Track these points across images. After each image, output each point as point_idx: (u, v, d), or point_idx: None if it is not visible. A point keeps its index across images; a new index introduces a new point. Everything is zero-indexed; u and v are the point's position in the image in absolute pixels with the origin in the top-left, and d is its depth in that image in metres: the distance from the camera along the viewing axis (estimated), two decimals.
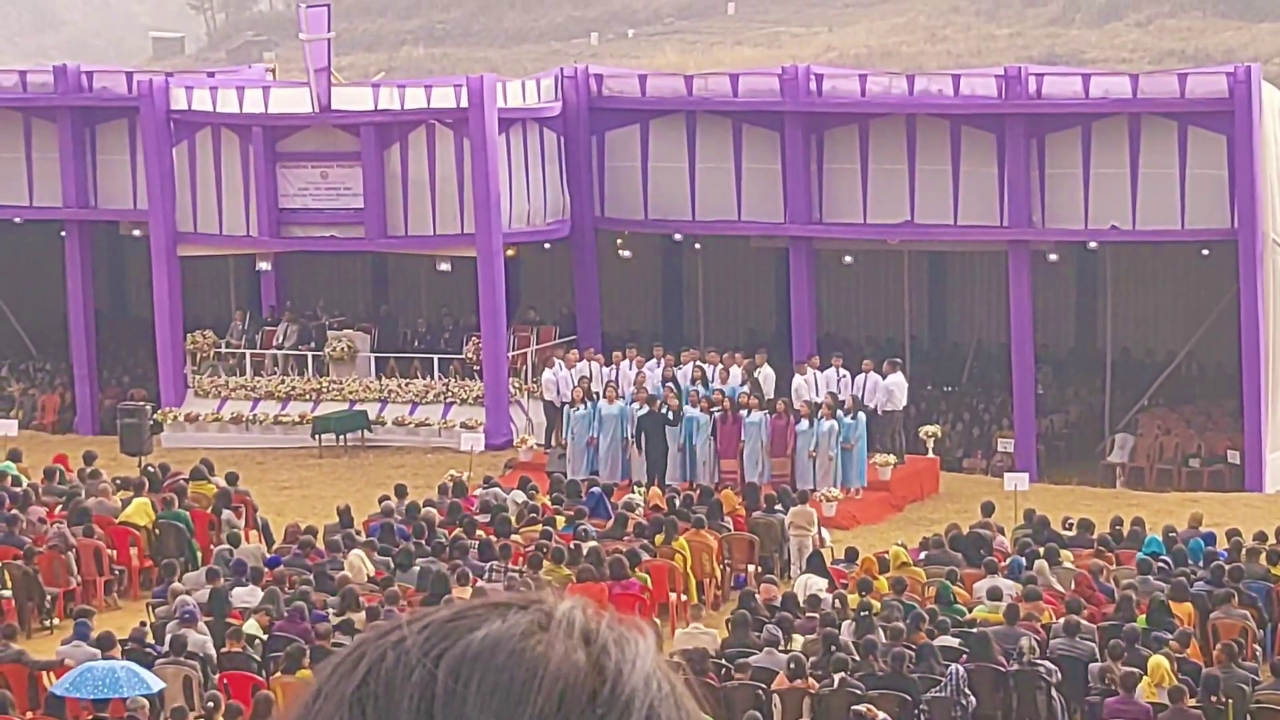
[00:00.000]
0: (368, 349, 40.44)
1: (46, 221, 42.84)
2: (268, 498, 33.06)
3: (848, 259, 40.82)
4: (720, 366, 37.33)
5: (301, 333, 41.10)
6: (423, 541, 27.30)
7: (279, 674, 21.54)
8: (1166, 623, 23.65)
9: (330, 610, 23.60)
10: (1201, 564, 27.28)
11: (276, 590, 25.09)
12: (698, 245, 42.41)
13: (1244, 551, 27.49)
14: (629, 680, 1.14)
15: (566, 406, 36.06)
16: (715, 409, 35.19)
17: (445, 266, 39.94)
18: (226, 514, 30.49)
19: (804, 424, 34.29)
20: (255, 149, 39.27)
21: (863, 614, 24.15)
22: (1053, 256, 39.22)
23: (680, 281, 44.90)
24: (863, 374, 36.48)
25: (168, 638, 23.32)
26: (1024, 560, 26.69)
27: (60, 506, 30.27)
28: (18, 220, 43.07)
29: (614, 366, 37.54)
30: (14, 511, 29.44)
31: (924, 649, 22.57)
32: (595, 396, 35.81)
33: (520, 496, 31.08)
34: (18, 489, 30.99)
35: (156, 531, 29.74)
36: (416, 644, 1.14)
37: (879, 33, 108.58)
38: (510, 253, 39.56)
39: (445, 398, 39.30)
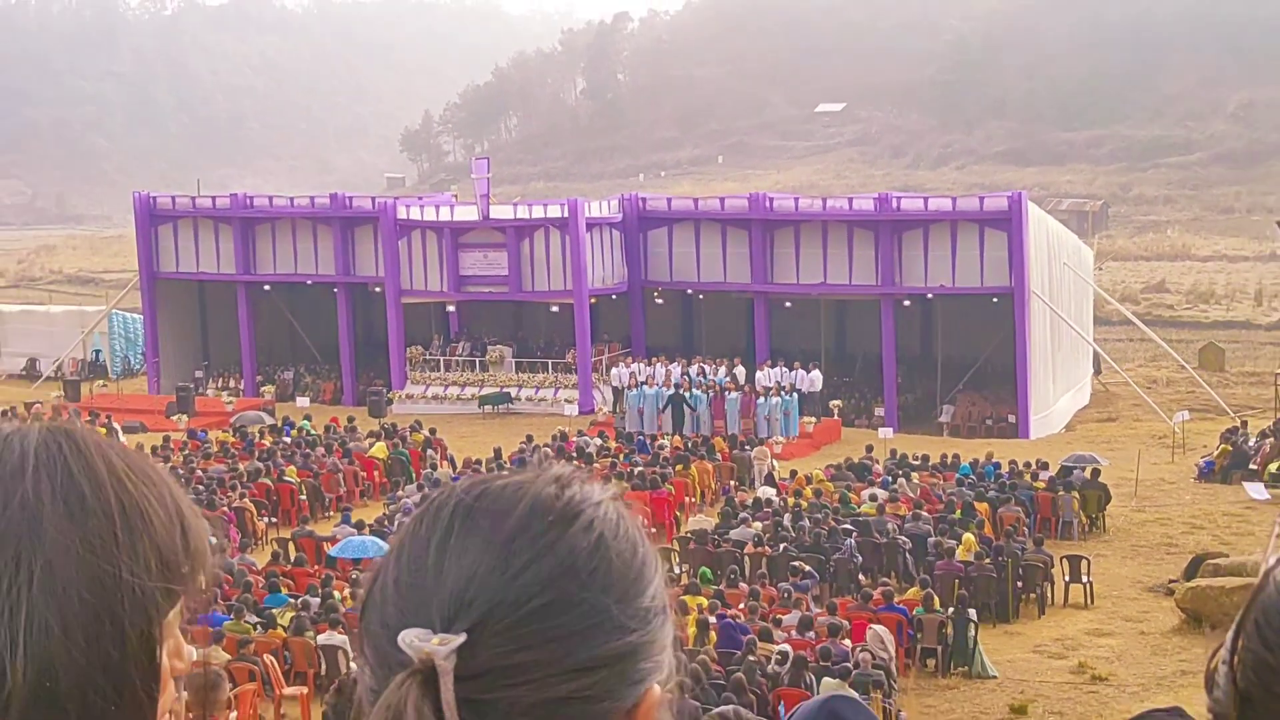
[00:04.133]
0: (511, 356, 46.91)
1: (326, 283, 49.02)
2: (454, 442, 37.13)
3: (788, 304, 46.30)
4: (714, 366, 43.16)
5: (473, 347, 47.56)
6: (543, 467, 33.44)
7: None
8: (972, 515, 27.05)
9: None
10: (992, 480, 30.63)
11: None
12: (701, 296, 48.63)
13: (1016, 472, 31.28)
14: (580, 503, 1.29)
15: (625, 389, 41.91)
16: (711, 391, 41.10)
17: (555, 309, 46.32)
18: (429, 452, 35.36)
19: (762, 400, 40.34)
20: (445, 240, 46.13)
21: (796, 509, 27.17)
22: (906, 302, 44.38)
23: (691, 317, 50.70)
24: (796, 370, 42.54)
25: (395, 523, 25.77)
26: (890, 479, 30.33)
27: (334, 446, 34.70)
28: (309, 282, 49.61)
29: (653, 366, 42.87)
30: (307, 450, 34.02)
31: (832, 530, 25.29)
32: (643, 383, 41.53)
33: (598, 441, 35.63)
34: (310, 436, 36.66)
35: (389, 462, 34.15)
36: (460, 487, 1.33)
37: (806, 174, 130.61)
38: (593, 301, 45.67)
39: (556, 384, 45.59)
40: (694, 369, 42.88)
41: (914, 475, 31.27)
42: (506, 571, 1.27)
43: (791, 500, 28.44)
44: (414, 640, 1.23)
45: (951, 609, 21.42)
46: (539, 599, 1.26)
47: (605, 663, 1.28)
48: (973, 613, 21.49)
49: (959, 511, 27.13)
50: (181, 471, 30.39)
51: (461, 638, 1.23)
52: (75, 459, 1.31)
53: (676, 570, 24.54)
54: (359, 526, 26.03)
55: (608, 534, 1.32)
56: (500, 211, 46.42)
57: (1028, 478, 30.94)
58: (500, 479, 1.36)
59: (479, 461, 32.16)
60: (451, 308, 47.63)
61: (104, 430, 35.24)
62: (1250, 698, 1.35)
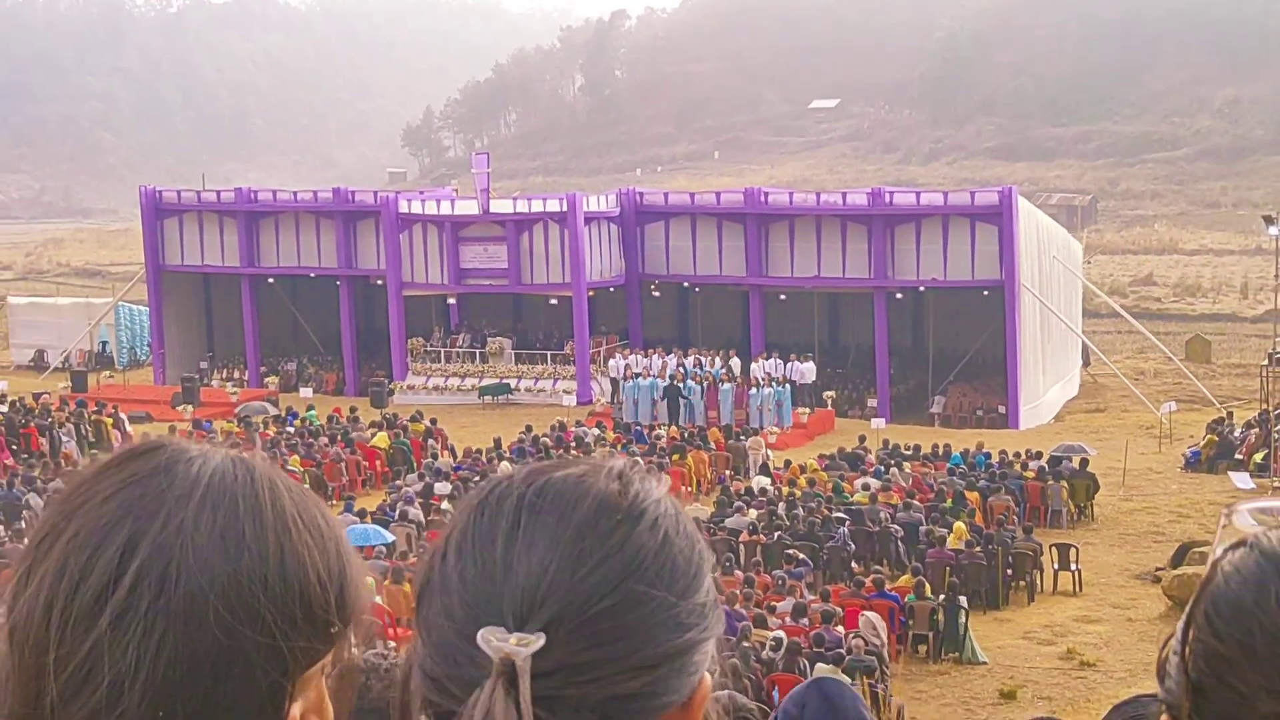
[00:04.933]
0: (510, 348, 47.06)
1: (329, 276, 49.30)
2: (454, 432, 37.01)
3: (782, 297, 46.56)
4: (709, 358, 43.72)
5: (473, 339, 47.78)
6: (540, 456, 28.79)
7: None
8: (963, 504, 26.78)
9: None
10: (983, 469, 30.82)
11: (459, 484, 27.51)
12: (697, 289, 48.84)
13: (1006, 462, 31.55)
14: (643, 501, 1.29)
15: (622, 380, 42.44)
16: (705, 382, 41.43)
17: (554, 301, 46.22)
18: (430, 442, 35.17)
19: (755, 390, 40.61)
20: (446, 234, 46.37)
21: (791, 498, 27.28)
22: (899, 295, 44.78)
23: (687, 310, 50.72)
24: (790, 362, 42.95)
25: (397, 511, 26.54)
26: (883, 468, 30.30)
27: (336, 436, 34.59)
28: (312, 275, 50.00)
29: (649, 358, 43.20)
30: (310, 440, 34.29)
31: (825, 519, 25.37)
32: (639, 375, 41.99)
33: (596, 431, 35.57)
34: (313, 427, 36.62)
35: (391, 452, 33.93)
36: (519, 479, 1.32)
37: (801, 169, 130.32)
38: (591, 294, 45.90)
39: (554, 375, 45.83)
40: (690, 360, 43.10)
41: (906, 465, 31.22)
42: (578, 571, 1.26)
43: (786, 489, 28.51)
44: (493, 640, 1.23)
45: (942, 596, 21.43)
46: (609, 598, 1.26)
47: (668, 658, 1.29)
48: (963, 600, 21.51)
49: (950, 500, 27.08)
50: None
51: (541, 639, 1.22)
52: (246, 496, 1.27)
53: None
54: (361, 515, 26.10)
55: (670, 531, 1.32)
56: (500, 206, 46.84)
57: (1017, 467, 31.02)
58: (559, 470, 1.35)
59: (479, 451, 32.30)
60: (452, 300, 47.92)
61: (110, 420, 36.10)
62: (1203, 688, 1.34)
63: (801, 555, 23.38)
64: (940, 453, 33.23)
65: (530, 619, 1.24)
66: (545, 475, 1.34)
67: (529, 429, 35.26)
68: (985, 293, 43.44)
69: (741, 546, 24.38)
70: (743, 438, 35.50)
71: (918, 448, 33.75)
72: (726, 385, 41.00)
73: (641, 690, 1.27)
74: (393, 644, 11.28)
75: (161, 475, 1.27)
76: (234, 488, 1.27)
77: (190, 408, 42.07)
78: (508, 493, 1.33)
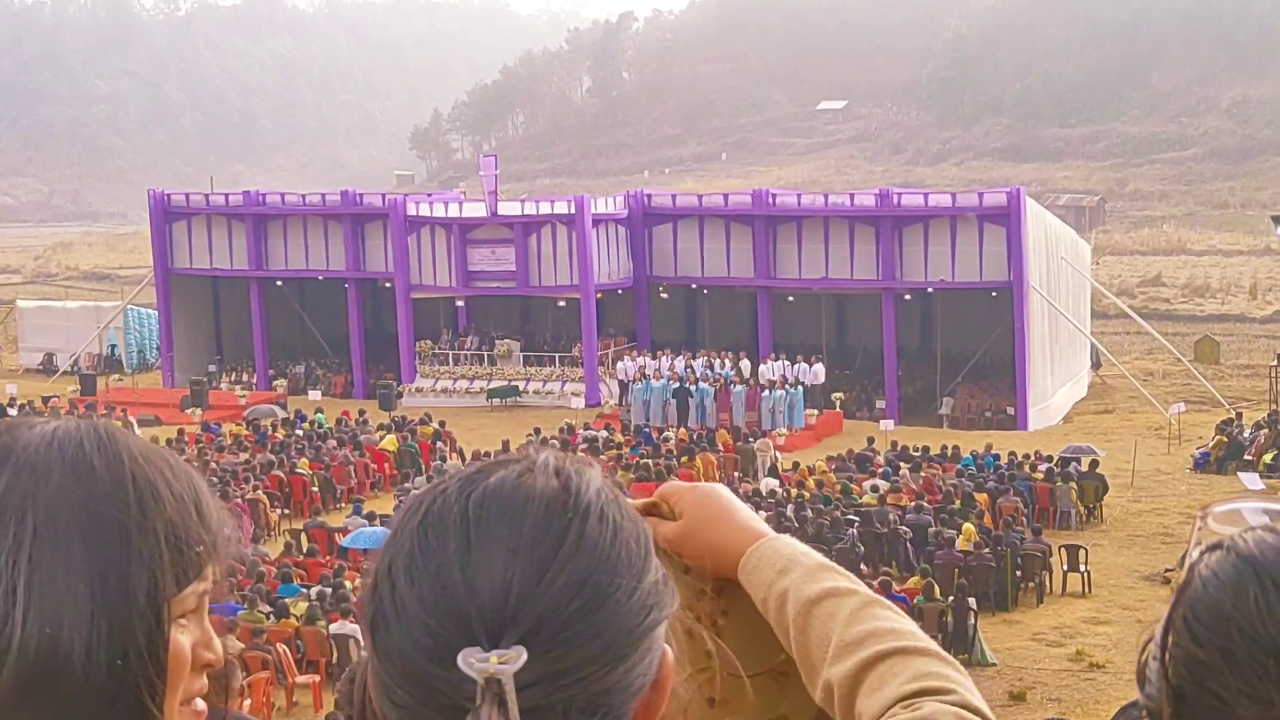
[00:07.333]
0: (519, 350, 47.21)
1: (337, 279, 49.51)
2: (462, 435, 37.43)
3: (790, 298, 46.87)
4: (719, 359, 43.29)
5: (481, 341, 47.73)
6: None
7: None
8: (972, 505, 26.78)
9: None
10: (992, 471, 30.74)
11: None
12: (705, 291, 49.20)
13: (1015, 464, 31.69)
14: (586, 493, 1.27)
15: (631, 382, 42.25)
16: (717, 385, 41.31)
17: (562, 304, 46.56)
18: (439, 444, 35.50)
19: (766, 392, 40.39)
20: (454, 236, 46.54)
21: (799, 500, 27.33)
22: (907, 297, 44.97)
23: (695, 312, 51.14)
24: (798, 363, 42.44)
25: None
26: (891, 469, 30.43)
27: (345, 439, 34.94)
28: (320, 278, 50.23)
29: (658, 359, 43.08)
30: (319, 443, 34.36)
31: (834, 520, 25.59)
32: (648, 377, 41.81)
33: (604, 433, 36.01)
34: (321, 429, 36.79)
35: (399, 454, 34.18)
36: (453, 491, 1.26)
37: (808, 170, 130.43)
38: (599, 296, 46.01)
39: (562, 377, 45.96)
40: (699, 362, 43.11)
41: (919, 467, 31.26)
42: (542, 578, 1.24)
43: (794, 491, 28.49)
44: (475, 661, 1.22)
45: (951, 598, 21.46)
46: (578, 598, 1.25)
47: (637, 643, 1.28)
48: (972, 601, 21.51)
49: (959, 502, 27.09)
50: (195, 464, 29.89)
51: (522, 652, 1.21)
52: (90, 438, 1.34)
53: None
54: (370, 518, 26.22)
55: (617, 517, 1.31)
56: (508, 208, 46.92)
57: (1026, 469, 30.99)
58: (493, 476, 1.31)
59: (488, 453, 31.97)
60: (460, 302, 48.03)
61: (119, 424, 36.04)
62: (1183, 693, 1.34)
63: None
64: (949, 454, 33.15)
65: (505, 634, 1.22)
66: (480, 484, 1.30)
67: (537, 431, 35.26)
68: (994, 294, 43.59)
69: None
70: (752, 440, 35.48)
71: (926, 449, 33.68)
72: (739, 387, 40.99)
73: (619, 682, 1.27)
74: None
75: (5, 435, 1.34)
76: (78, 433, 1.34)
77: (199, 410, 42.15)
78: (447, 508, 1.28)
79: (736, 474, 32.93)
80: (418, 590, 1.26)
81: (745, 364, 42.96)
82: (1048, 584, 24.82)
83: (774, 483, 29.79)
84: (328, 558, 24.55)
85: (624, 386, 43.16)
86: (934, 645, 1.48)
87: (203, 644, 1.35)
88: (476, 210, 46.74)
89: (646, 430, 37.00)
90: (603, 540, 1.29)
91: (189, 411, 42.15)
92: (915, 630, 1.50)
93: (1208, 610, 1.33)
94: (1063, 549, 25.26)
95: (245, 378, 50.32)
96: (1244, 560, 1.35)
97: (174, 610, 1.32)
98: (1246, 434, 36.86)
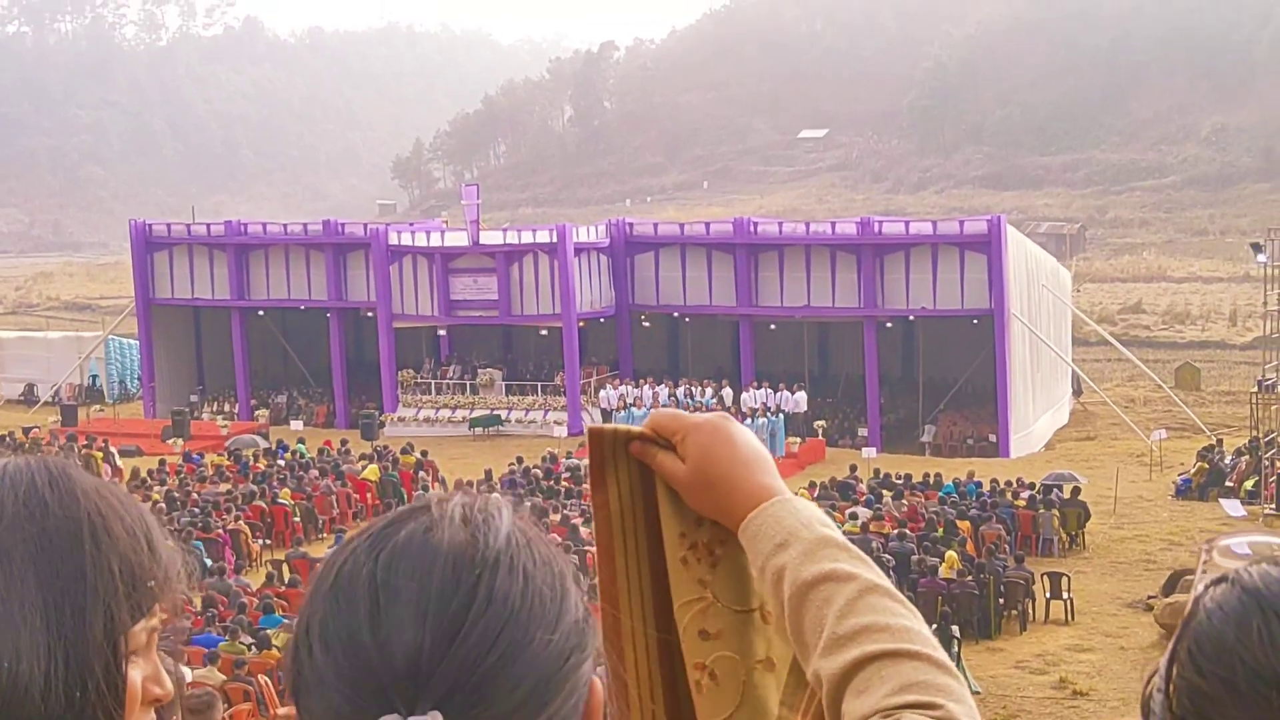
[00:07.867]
0: (501, 379, 47.16)
1: (319, 308, 49.62)
2: (445, 464, 37.15)
3: (772, 326, 46.81)
4: (700, 387, 44.06)
5: (464, 370, 47.89)
6: (532, 487, 31.47)
7: None
8: (954, 533, 27.03)
9: None
10: (974, 498, 30.82)
11: None
12: (687, 319, 48.99)
13: (998, 491, 31.66)
14: (495, 543, 1.25)
15: (614, 411, 42.62)
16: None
17: (544, 332, 46.60)
18: (421, 474, 35.35)
19: (748, 420, 39.07)
20: (436, 266, 46.44)
21: None
22: (889, 324, 45.16)
23: (677, 340, 50.91)
24: (780, 391, 43.07)
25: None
26: (873, 497, 30.39)
27: (327, 469, 34.66)
28: (302, 307, 50.35)
29: (640, 388, 43.81)
30: (301, 473, 34.34)
31: None
32: (630, 405, 42.35)
33: (587, 462, 39.03)
34: (303, 459, 36.68)
35: (381, 484, 34.02)
36: (363, 550, 1.27)
37: (790, 198, 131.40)
38: (581, 324, 46.01)
39: (545, 406, 46.13)
40: (681, 390, 43.20)
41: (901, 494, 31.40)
42: (454, 640, 1.24)
43: None
44: None
45: (934, 625, 20.37)
46: (491, 655, 1.24)
47: (559, 688, 1.28)
48: (955, 629, 21.48)
49: (941, 529, 27.10)
50: (177, 495, 30.65)
51: (439, 718, 1.21)
52: (41, 475, 1.34)
53: None
54: None
55: (528, 566, 1.30)
56: (490, 237, 47.06)
57: (1009, 496, 31.12)
58: (401, 530, 1.31)
59: (470, 483, 31.73)
60: (442, 332, 48.11)
61: (100, 454, 36.17)
62: None
63: None
64: (931, 482, 33.19)
65: (421, 700, 1.22)
66: (389, 541, 1.29)
67: (520, 460, 35.42)
68: (975, 321, 43.66)
69: None
70: None
71: (909, 477, 33.67)
72: None
73: None
74: None
75: None
76: (29, 469, 1.35)
77: (180, 441, 42.02)
78: (356, 570, 1.28)
79: None
80: (333, 658, 1.26)
81: (727, 392, 43.10)
82: (1031, 611, 24.75)
83: None
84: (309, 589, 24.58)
85: (606, 415, 43.06)
86: (929, 647, 1.45)
87: (152, 679, 1.36)
88: (458, 239, 46.94)
89: None
90: (513, 593, 1.27)
91: (170, 442, 42.03)
92: (911, 626, 1.47)
93: (1211, 642, 1.35)
94: (1045, 576, 25.23)
95: (227, 408, 50.29)
96: (1248, 593, 1.36)
97: (129, 644, 1.33)
98: (1228, 460, 36.88)
